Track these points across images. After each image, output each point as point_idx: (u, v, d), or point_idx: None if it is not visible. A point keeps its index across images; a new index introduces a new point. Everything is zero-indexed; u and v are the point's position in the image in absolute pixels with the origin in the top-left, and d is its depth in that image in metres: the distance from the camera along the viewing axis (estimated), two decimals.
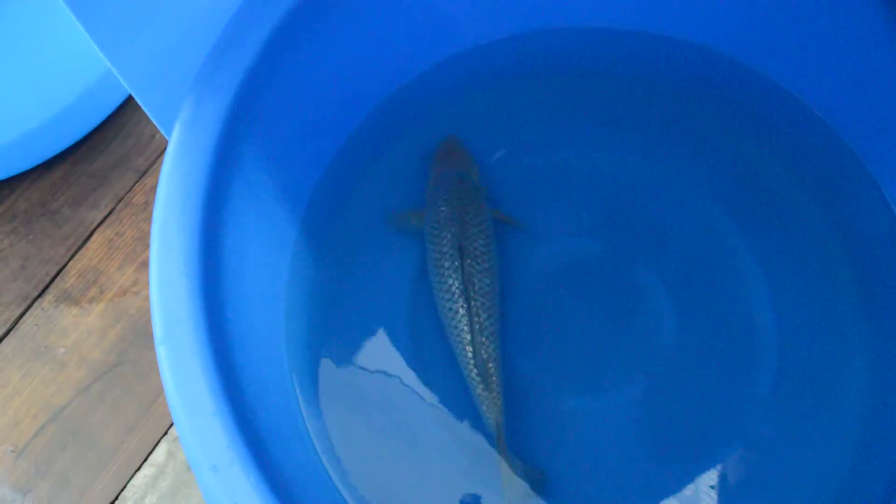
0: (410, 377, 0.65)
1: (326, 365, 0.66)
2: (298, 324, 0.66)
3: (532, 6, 0.72)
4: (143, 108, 0.56)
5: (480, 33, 0.73)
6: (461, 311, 0.62)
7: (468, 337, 0.61)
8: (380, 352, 0.66)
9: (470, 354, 0.61)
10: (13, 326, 0.84)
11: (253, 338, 0.58)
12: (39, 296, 0.85)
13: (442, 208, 0.66)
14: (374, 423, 0.64)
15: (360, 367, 0.66)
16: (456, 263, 0.63)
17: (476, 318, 0.62)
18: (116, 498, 0.75)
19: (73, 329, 0.83)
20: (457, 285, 0.63)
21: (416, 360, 0.66)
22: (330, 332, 0.67)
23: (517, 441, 0.61)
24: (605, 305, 0.67)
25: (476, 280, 0.63)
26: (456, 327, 0.62)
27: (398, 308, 0.68)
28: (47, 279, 0.86)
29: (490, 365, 0.61)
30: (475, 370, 0.61)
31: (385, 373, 0.65)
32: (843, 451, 0.59)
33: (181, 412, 0.46)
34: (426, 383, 0.65)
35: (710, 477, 0.60)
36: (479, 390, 0.60)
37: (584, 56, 0.75)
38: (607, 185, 0.72)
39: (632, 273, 0.68)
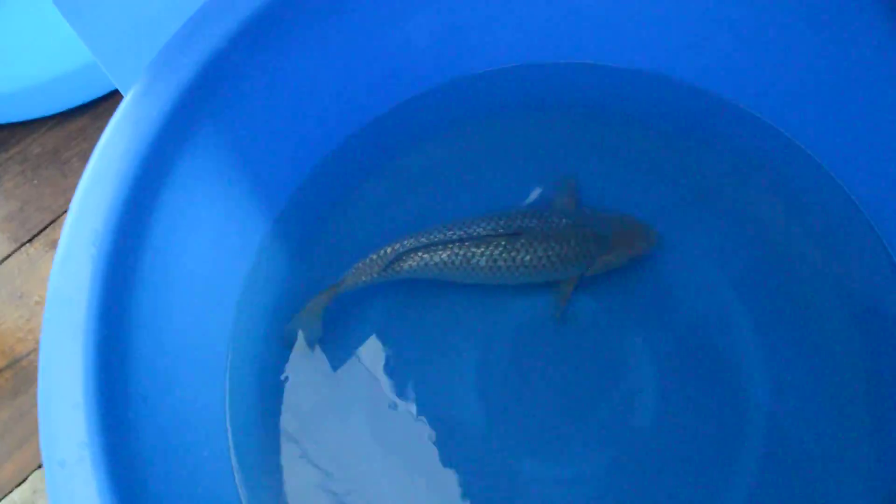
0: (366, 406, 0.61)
1: (271, 372, 0.63)
2: (252, 326, 0.63)
3: (535, 41, 0.69)
4: (110, 77, 0.54)
5: (482, 61, 0.70)
6: (460, 234, 0.60)
7: (425, 241, 0.60)
8: (341, 374, 0.62)
9: (414, 241, 0.60)
10: None
11: (175, 330, 0.55)
12: (29, 241, 0.85)
13: (563, 220, 0.61)
14: (300, 440, 0.60)
15: (310, 384, 0.62)
16: (500, 231, 0.60)
17: (446, 250, 0.59)
18: None
19: None
20: (478, 231, 0.60)
21: (376, 381, 0.62)
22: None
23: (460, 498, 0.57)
24: (586, 367, 0.62)
25: (484, 253, 0.59)
26: (430, 232, 0.60)
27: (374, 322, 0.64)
28: (40, 226, 0.86)
29: (403, 266, 0.60)
30: (395, 250, 0.60)
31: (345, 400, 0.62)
32: None
33: (44, 395, 0.43)
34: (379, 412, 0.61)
35: None
36: (379, 255, 0.60)
37: (586, 93, 0.71)
38: None
39: (622, 338, 0.63)
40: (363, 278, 0.61)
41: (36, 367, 0.76)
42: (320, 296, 0.61)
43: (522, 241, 0.59)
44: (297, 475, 0.59)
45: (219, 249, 0.61)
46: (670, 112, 0.70)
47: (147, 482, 0.47)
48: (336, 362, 0.63)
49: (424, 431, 0.60)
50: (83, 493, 0.41)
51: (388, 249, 0.61)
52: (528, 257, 0.59)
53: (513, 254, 0.59)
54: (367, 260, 0.61)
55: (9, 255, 0.85)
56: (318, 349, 0.63)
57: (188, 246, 0.57)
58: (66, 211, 0.83)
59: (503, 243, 0.59)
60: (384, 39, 0.65)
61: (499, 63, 0.71)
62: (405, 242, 0.61)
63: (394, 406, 0.61)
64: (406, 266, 0.61)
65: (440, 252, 0.60)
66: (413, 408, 0.61)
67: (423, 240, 0.60)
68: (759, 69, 0.65)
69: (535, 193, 0.68)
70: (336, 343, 0.63)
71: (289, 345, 0.62)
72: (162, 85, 0.51)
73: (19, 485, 0.75)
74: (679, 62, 0.68)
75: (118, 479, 0.43)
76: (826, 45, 0.60)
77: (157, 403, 0.51)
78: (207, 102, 0.54)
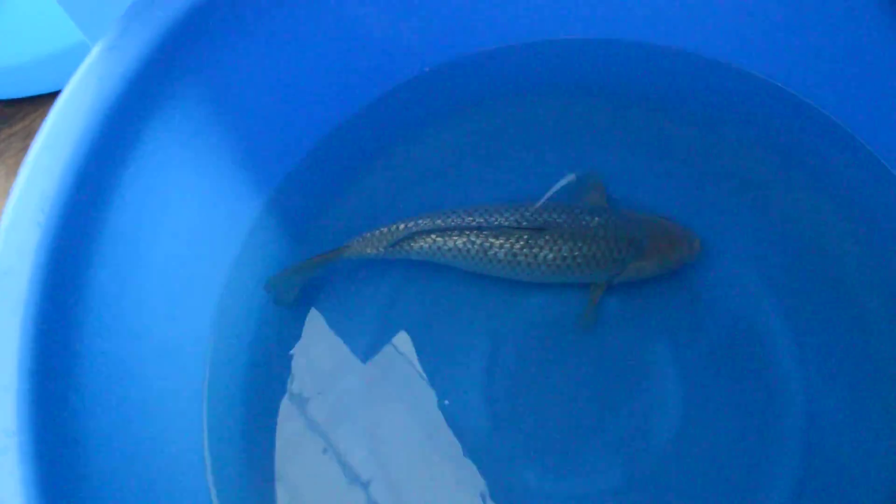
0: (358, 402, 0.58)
1: (259, 358, 0.59)
2: (238, 315, 0.59)
3: (554, 14, 0.65)
4: (82, 32, 0.50)
5: (499, 36, 0.66)
6: (479, 221, 0.56)
7: (440, 224, 0.56)
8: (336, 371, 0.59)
9: (430, 223, 0.57)
10: None
11: (146, 314, 0.51)
12: None
13: (595, 218, 0.57)
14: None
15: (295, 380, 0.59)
16: (523, 224, 0.56)
17: (462, 236, 0.56)
18: None
19: None
20: (499, 221, 0.56)
21: (375, 372, 0.58)
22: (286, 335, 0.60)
23: None
24: (603, 373, 0.58)
25: (503, 245, 0.56)
26: (448, 214, 0.57)
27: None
28: None
29: (413, 247, 0.57)
30: (408, 228, 0.57)
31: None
32: None
33: None
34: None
35: None
36: (390, 230, 0.57)
37: (611, 73, 0.66)
38: None
39: (645, 342, 0.58)
40: (369, 250, 0.58)
41: None
42: (318, 257, 0.58)
43: (547, 237, 0.56)
44: (283, 472, 0.55)
45: (201, 229, 0.57)
46: (705, 95, 0.65)
47: (93, 481, 0.42)
48: (334, 348, 0.59)
49: (422, 435, 0.56)
50: (5, 489, 0.37)
51: (401, 226, 0.57)
52: (551, 255, 0.55)
53: (535, 250, 0.56)
54: (377, 232, 0.58)
55: None
56: (312, 335, 0.60)
57: (164, 222, 0.53)
58: None
59: (525, 237, 0.56)
60: (391, 8, 0.61)
61: (517, 39, 0.67)
62: (420, 221, 0.57)
63: (391, 405, 0.57)
64: (417, 247, 0.57)
65: (455, 238, 0.57)
66: (412, 408, 0.57)
67: (438, 222, 0.57)
68: (805, 48, 0.60)
69: (552, 185, 0.64)
70: (337, 325, 0.60)
71: (275, 299, 0.60)
72: (133, 38, 0.47)
73: None
74: (715, 39, 0.64)
75: (51, 474, 0.39)
76: (881, 24, 0.55)
77: (116, 393, 0.47)
78: (186, 62, 0.50)
